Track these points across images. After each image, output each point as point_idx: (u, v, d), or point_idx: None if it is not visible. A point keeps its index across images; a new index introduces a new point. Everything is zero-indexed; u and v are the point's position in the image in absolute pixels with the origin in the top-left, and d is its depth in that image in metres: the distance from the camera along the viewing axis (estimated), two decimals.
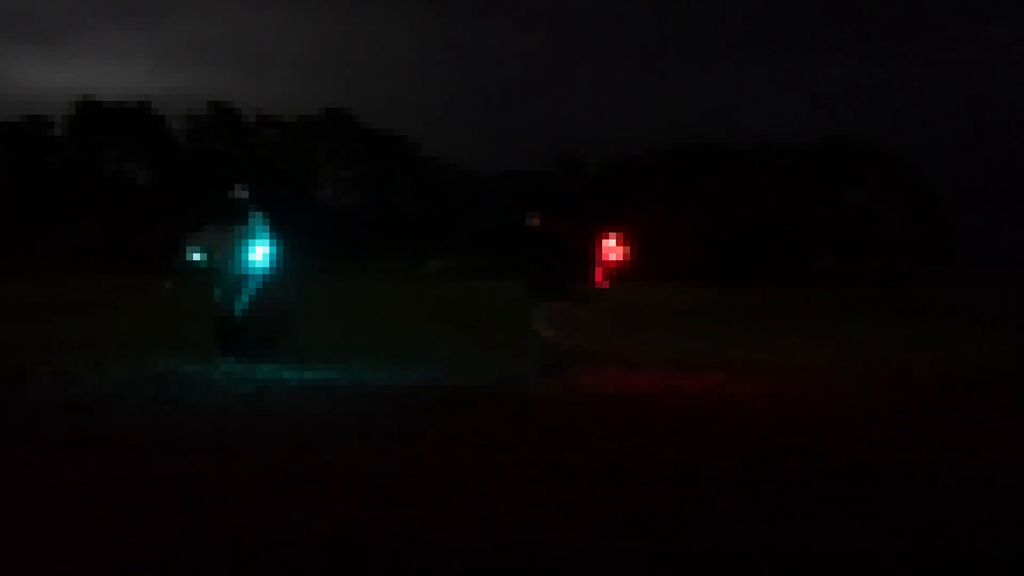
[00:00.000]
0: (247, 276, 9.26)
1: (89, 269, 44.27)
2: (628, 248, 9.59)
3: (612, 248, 9.58)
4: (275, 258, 9.38)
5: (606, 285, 9.46)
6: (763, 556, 3.89)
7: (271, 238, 9.41)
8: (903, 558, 3.89)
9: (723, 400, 7.85)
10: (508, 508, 4.50)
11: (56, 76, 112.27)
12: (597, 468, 5.32)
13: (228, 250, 9.12)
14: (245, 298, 9.27)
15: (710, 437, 6.31)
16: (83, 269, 44.15)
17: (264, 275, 9.34)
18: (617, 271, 9.52)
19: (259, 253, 9.23)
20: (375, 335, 13.12)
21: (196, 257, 9.25)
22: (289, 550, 3.90)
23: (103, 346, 11.25)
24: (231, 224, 9.21)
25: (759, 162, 60.82)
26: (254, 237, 9.27)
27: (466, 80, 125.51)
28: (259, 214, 9.30)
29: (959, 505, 4.68)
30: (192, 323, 15.40)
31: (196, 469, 5.16)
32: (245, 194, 9.32)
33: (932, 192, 68.72)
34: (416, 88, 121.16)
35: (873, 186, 65.97)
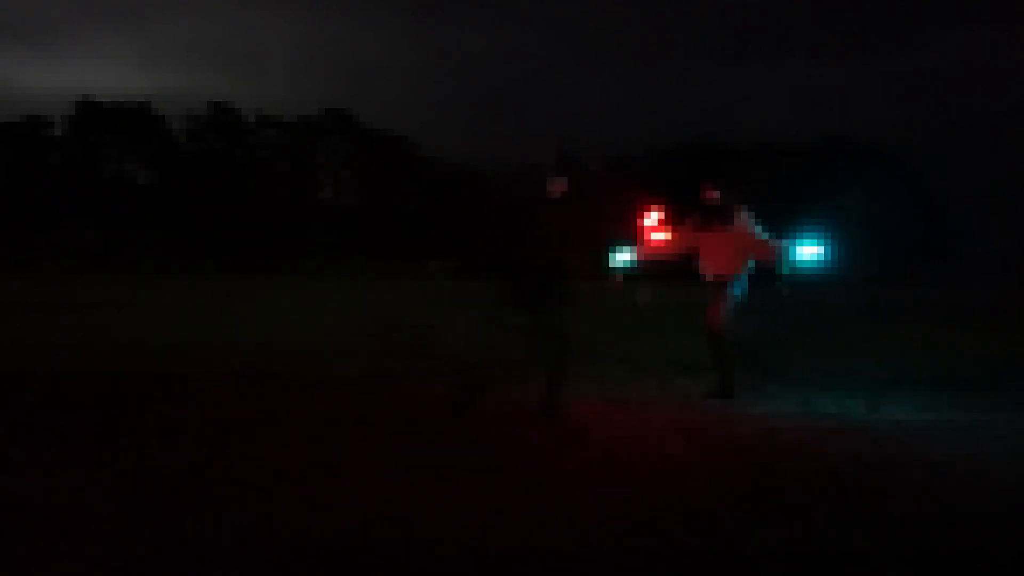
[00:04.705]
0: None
1: (89, 268, 44.25)
2: (675, 231, 7.49)
3: (655, 228, 7.47)
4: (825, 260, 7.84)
5: (620, 283, 7.36)
6: (763, 556, 3.89)
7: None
8: (903, 558, 3.89)
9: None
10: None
11: (50, 76, 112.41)
12: None
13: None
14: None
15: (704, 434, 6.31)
16: (83, 268, 44.13)
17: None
18: (659, 261, 7.52)
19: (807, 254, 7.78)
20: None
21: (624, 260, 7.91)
22: None
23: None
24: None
25: (759, 162, 60.84)
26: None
27: (466, 80, 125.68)
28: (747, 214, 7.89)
29: (959, 505, 4.68)
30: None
31: None
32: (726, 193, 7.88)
33: (932, 192, 68.79)
34: (416, 88, 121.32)
35: (873, 186, 66.01)
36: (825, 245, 7.83)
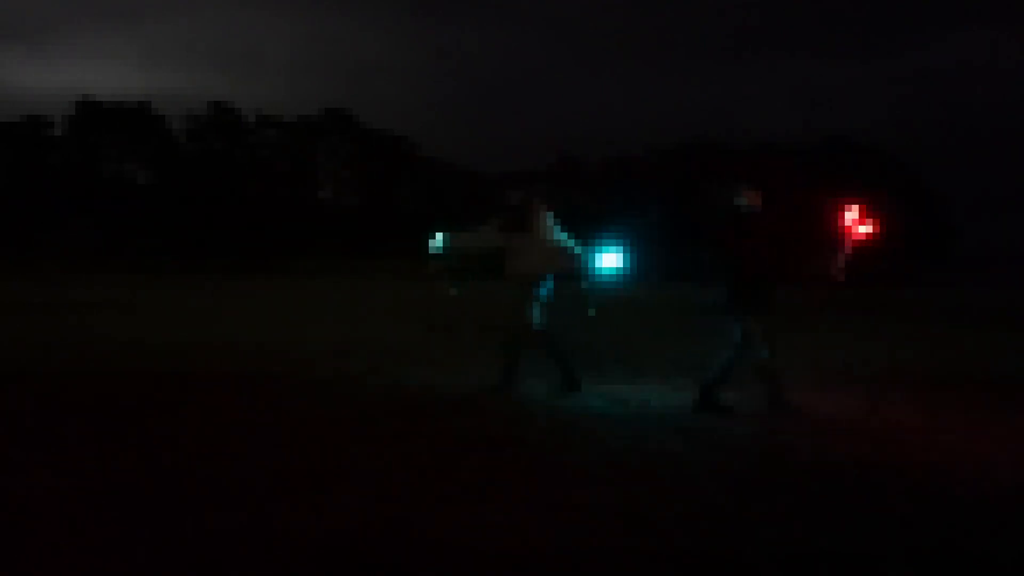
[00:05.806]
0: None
1: (89, 268, 44.24)
2: (876, 222, 7.34)
3: (858, 222, 7.30)
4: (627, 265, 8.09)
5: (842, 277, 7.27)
6: (763, 556, 3.89)
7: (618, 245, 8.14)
8: (903, 558, 3.89)
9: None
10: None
11: (50, 76, 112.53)
12: None
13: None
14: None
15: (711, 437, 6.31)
16: (83, 268, 44.12)
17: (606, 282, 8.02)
18: (863, 255, 7.36)
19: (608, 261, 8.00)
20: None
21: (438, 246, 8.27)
22: None
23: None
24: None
25: (759, 161, 60.90)
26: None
27: (466, 80, 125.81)
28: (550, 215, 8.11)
29: (959, 505, 4.68)
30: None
31: None
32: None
33: (932, 192, 68.81)
34: (416, 88, 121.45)
35: (873, 186, 65.98)
36: (624, 253, 8.07)
